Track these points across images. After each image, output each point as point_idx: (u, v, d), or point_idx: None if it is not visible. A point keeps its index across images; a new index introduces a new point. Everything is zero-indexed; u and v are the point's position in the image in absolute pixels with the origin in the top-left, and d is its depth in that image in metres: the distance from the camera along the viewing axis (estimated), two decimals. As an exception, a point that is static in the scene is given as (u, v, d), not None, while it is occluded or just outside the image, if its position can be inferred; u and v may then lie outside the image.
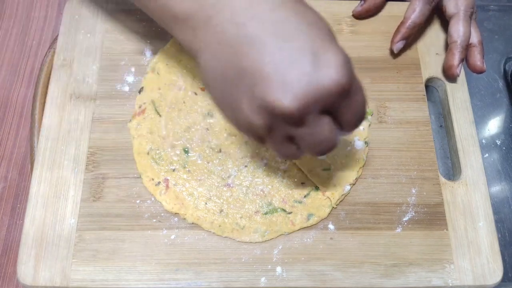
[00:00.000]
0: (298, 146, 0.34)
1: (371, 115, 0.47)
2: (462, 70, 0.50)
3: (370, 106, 0.48)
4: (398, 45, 0.49)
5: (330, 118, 0.32)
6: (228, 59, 0.32)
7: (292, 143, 0.34)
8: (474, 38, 0.49)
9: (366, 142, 0.46)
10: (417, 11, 0.48)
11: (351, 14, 0.52)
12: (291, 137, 0.33)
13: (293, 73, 0.29)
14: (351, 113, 0.32)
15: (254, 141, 0.36)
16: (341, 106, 0.31)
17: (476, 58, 0.49)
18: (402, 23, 0.49)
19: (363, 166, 0.45)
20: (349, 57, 0.31)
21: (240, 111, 0.32)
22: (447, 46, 0.49)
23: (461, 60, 0.48)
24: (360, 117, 0.33)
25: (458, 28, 0.48)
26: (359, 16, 0.52)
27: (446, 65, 0.49)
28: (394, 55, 0.50)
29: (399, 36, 0.49)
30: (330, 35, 0.32)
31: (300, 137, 0.32)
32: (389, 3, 0.53)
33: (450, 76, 0.49)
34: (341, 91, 0.30)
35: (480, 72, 0.49)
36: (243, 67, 0.31)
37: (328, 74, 0.29)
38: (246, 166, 0.44)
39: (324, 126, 0.32)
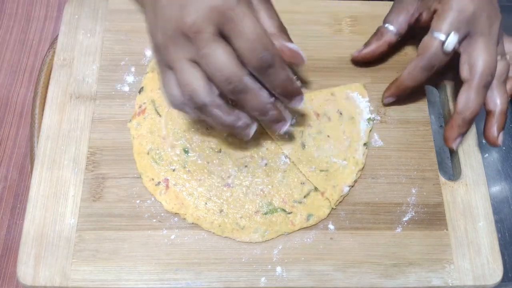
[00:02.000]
0: (231, 44, 0.35)
1: (373, 121, 0.47)
2: None
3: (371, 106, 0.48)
4: (387, 100, 0.47)
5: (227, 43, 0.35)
6: None
7: (225, 42, 0.35)
8: (497, 105, 0.43)
9: (365, 144, 0.46)
10: (412, 75, 0.44)
11: (351, 14, 0.52)
12: (194, 59, 0.35)
13: None
14: (243, 37, 0.34)
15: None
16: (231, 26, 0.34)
17: (491, 130, 0.43)
18: (395, 82, 0.46)
19: (362, 169, 0.45)
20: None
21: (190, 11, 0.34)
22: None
23: (460, 135, 0.43)
24: (253, 44, 0.35)
25: (465, 99, 0.42)
26: (356, 61, 0.49)
27: (444, 135, 0.44)
28: (393, 54, 0.50)
29: (388, 93, 0.47)
30: None
31: (199, 55, 0.35)
32: (389, 3, 0.53)
33: (447, 146, 0.45)
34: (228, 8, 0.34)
35: (494, 146, 0.44)
36: None
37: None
38: (246, 166, 0.44)
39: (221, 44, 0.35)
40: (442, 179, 0.45)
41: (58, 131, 0.45)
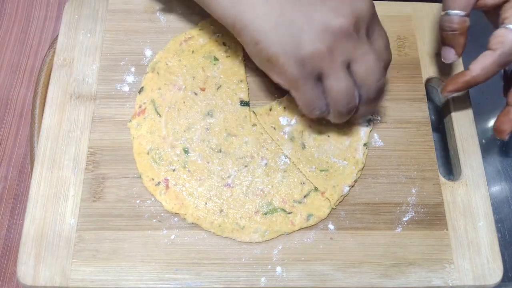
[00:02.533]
0: (354, 72, 0.39)
1: (373, 121, 0.47)
2: (461, 64, 0.50)
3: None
4: (449, 94, 0.45)
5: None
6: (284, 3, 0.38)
7: (348, 71, 0.39)
8: None
9: (365, 144, 0.46)
10: (487, 72, 0.42)
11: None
12: (349, 61, 0.38)
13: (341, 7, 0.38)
14: (378, 36, 0.40)
15: (309, 83, 0.39)
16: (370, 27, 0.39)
17: None
18: (462, 76, 0.43)
19: (362, 169, 0.45)
20: None
21: (303, 40, 0.38)
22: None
23: None
24: (384, 47, 0.40)
25: None
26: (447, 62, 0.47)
27: (497, 128, 0.44)
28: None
29: (454, 88, 0.44)
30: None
31: (357, 55, 0.38)
32: (389, 3, 0.53)
33: (498, 138, 0.45)
34: (370, 11, 0.39)
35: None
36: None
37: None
38: (246, 166, 0.44)
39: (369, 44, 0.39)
40: (442, 179, 0.45)
41: (58, 131, 0.45)
